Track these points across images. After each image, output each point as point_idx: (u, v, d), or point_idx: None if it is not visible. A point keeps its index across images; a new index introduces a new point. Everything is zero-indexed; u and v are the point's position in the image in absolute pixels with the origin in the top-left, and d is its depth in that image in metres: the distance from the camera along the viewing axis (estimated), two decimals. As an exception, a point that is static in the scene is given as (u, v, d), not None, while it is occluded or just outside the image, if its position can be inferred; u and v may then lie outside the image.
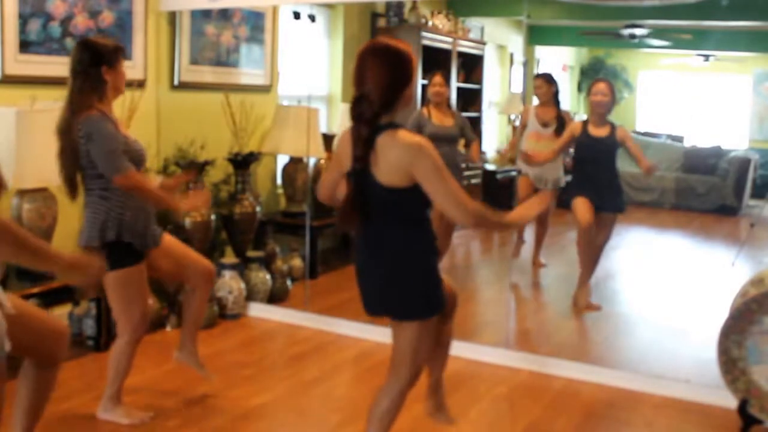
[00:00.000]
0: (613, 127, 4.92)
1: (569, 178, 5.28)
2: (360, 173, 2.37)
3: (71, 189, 3.10)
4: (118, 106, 3.64)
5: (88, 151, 2.99)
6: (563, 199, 5.23)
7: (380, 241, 2.44)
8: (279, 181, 5.91)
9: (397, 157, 2.30)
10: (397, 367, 2.56)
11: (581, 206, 4.85)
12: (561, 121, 5.48)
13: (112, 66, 3.04)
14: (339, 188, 2.58)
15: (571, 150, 5.21)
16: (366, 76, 2.33)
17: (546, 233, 5.91)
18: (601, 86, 4.89)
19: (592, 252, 4.98)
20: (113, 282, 3.11)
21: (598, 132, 4.89)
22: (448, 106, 5.39)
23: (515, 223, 2.68)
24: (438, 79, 5.24)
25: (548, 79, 5.64)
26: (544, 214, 5.76)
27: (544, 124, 5.53)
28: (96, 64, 3.00)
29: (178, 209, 3.29)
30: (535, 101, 5.76)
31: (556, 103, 5.61)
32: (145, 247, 3.17)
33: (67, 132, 3.00)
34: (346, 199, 2.44)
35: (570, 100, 8.95)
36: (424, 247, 2.47)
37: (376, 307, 2.56)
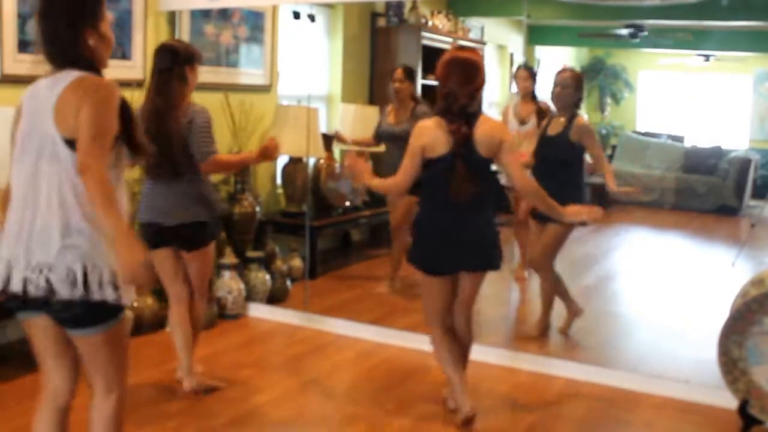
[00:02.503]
0: (569, 122, 4.14)
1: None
2: (462, 152, 3.04)
3: (174, 169, 3.34)
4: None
5: (189, 136, 3.31)
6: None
7: (479, 203, 3.13)
8: (279, 181, 5.91)
9: (491, 132, 3.10)
10: (465, 307, 3.39)
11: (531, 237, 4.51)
12: (541, 116, 5.37)
13: (192, 67, 3.38)
14: (406, 176, 3.13)
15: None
16: (450, 80, 3.10)
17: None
18: (563, 77, 4.21)
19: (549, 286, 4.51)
20: (209, 253, 3.55)
21: (552, 129, 4.26)
22: None
23: (563, 215, 3.27)
24: None
25: (531, 72, 5.62)
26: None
27: (522, 122, 5.47)
28: (181, 64, 3.34)
29: (258, 160, 3.70)
30: (517, 102, 5.72)
31: (534, 98, 5.56)
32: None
33: (163, 121, 3.29)
34: (456, 175, 3.04)
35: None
36: (496, 210, 3.28)
37: (470, 262, 3.21)
